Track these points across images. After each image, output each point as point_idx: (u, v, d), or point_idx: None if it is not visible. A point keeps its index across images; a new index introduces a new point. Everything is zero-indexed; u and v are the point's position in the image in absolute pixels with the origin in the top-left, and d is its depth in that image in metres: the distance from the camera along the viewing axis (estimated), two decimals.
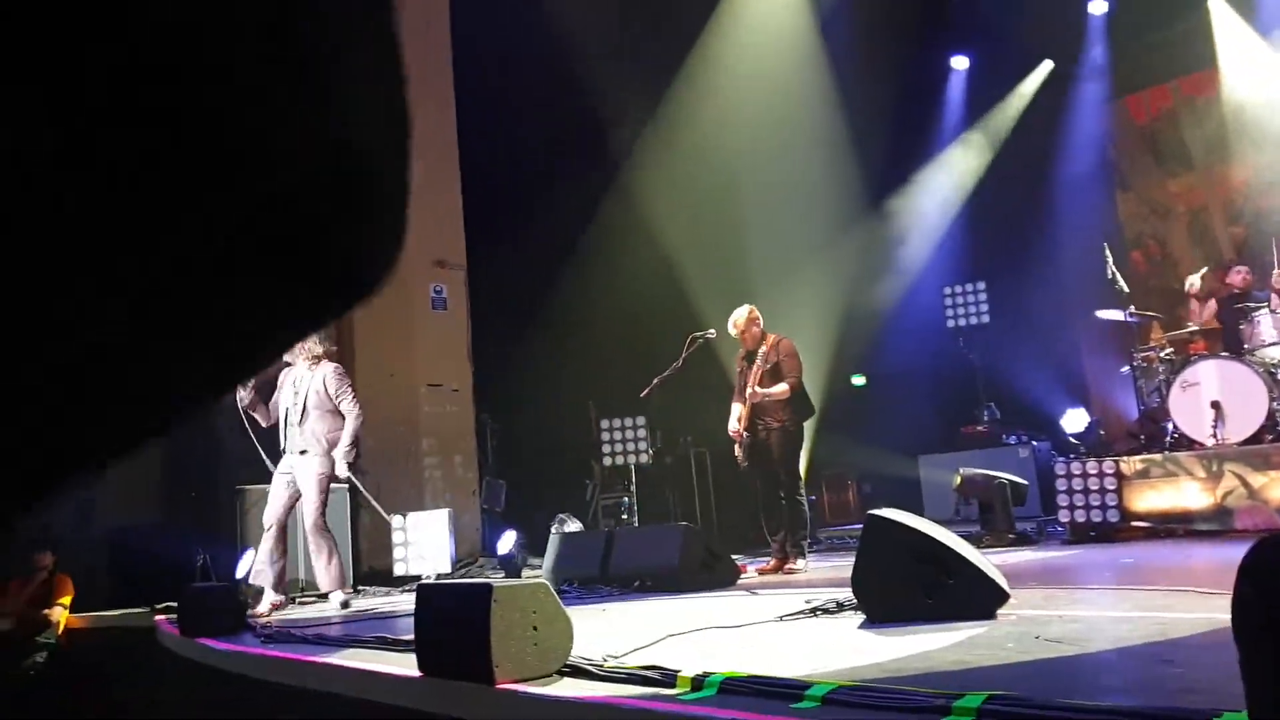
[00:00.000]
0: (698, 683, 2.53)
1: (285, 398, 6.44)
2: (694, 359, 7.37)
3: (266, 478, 6.68)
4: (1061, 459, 7.71)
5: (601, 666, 2.86)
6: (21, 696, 7.42)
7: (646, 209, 11.23)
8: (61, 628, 7.72)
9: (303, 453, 6.33)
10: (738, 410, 6.76)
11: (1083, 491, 6.98)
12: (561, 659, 2.92)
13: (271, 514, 6.38)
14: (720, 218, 11.65)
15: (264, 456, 6.58)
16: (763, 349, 6.60)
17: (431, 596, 3.25)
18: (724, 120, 11.88)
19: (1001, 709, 1.95)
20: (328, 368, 6.54)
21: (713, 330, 7.28)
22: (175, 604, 5.74)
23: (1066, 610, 3.52)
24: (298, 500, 6.58)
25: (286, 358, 6.43)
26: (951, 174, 12.68)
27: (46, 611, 7.72)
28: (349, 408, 6.39)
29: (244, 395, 6.37)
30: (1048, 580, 4.76)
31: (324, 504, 6.35)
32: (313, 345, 6.44)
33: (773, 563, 6.73)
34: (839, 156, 11.77)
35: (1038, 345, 10.82)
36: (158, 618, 6.41)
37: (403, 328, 10.38)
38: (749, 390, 6.57)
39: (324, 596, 6.28)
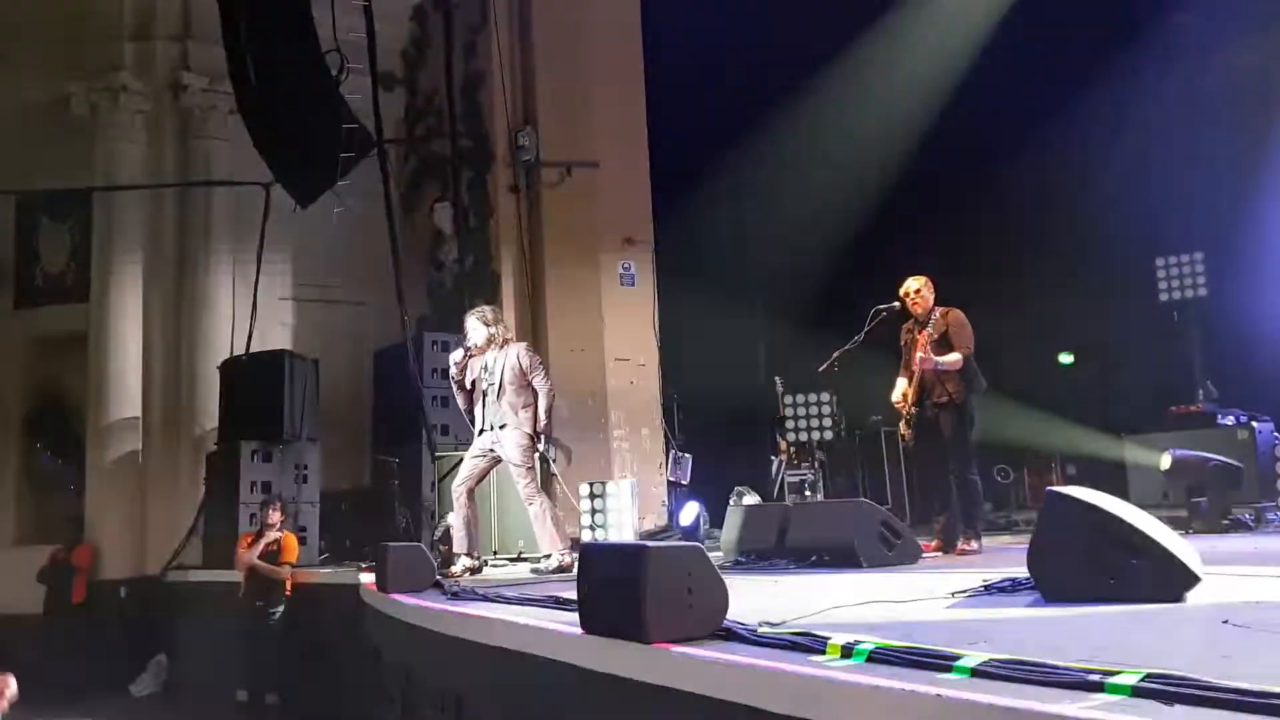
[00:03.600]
0: (847, 650, 2.50)
1: (481, 380, 6.84)
2: (878, 333, 7.18)
3: (462, 446, 7.09)
4: None
5: (754, 632, 2.86)
6: (265, 643, 8.22)
7: (829, 185, 10.99)
8: (289, 583, 8.37)
9: (502, 426, 6.70)
10: (903, 384, 6.55)
11: None
12: (716, 622, 2.94)
13: (460, 483, 6.80)
14: (906, 190, 11.24)
15: (471, 425, 7.00)
16: (933, 317, 6.39)
17: (593, 557, 3.35)
18: (909, 90, 11.45)
19: (1160, 688, 1.82)
20: (518, 347, 6.95)
21: (896, 303, 7.06)
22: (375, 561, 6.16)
23: (1268, 598, 3.23)
24: (487, 473, 7.02)
25: (473, 345, 6.86)
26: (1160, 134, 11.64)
27: (276, 567, 8.32)
28: (540, 383, 6.75)
29: (456, 369, 6.88)
30: (1257, 569, 4.37)
31: (530, 470, 6.72)
32: (500, 331, 6.94)
33: (935, 543, 6.46)
34: (1039, 116, 11.08)
35: (1266, 319, 9.85)
36: (362, 574, 6.90)
37: (593, 304, 10.69)
38: (918, 355, 6.36)
39: (547, 556, 6.67)
